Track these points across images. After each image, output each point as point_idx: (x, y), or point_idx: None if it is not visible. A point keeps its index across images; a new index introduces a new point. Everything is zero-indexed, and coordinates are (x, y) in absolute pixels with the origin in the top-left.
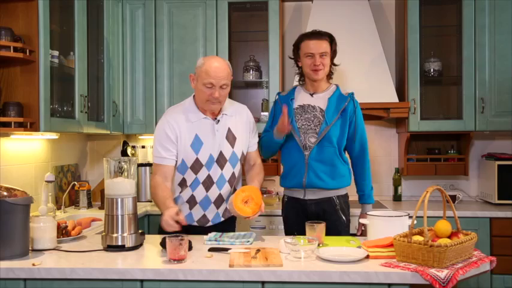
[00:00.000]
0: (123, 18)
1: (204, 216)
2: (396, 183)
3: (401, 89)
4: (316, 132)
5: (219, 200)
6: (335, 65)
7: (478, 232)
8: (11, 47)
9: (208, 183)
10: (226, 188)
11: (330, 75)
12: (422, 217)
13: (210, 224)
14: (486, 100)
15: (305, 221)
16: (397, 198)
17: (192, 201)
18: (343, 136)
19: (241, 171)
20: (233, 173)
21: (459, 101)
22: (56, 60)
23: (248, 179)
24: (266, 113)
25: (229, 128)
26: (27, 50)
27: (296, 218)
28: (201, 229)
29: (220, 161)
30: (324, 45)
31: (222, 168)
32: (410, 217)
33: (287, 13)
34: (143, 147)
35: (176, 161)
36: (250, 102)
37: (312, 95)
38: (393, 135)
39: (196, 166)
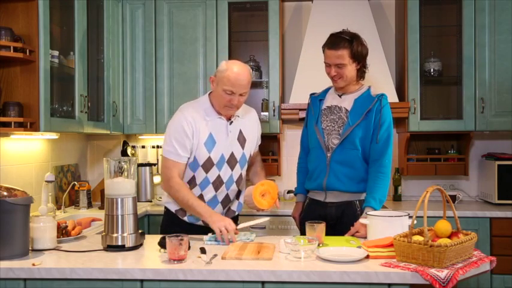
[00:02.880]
0: (123, 18)
1: None
2: (396, 183)
3: (401, 89)
4: (339, 133)
5: (226, 200)
6: (364, 66)
7: (478, 232)
8: (11, 47)
9: (218, 183)
10: (233, 189)
11: (360, 76)
12: (422, 217)
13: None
14: (486, 100)
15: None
16: (397, 198)
17: None
18: (368, 139)
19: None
20: (241, 174)
21: (459, 101)
22: (56, 60)
23: (252, 174)
24: (266, 113)
25: (240, 130)
26: (27, 50)
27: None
28: (205, 229)
29: (231, 161)
30: (340, 55)
31: (232, 169)
32: (410, 217)
33: (287, 13)
34: (143, 147)
35: (188, 159)
36: (250, 102)
37: (340, 96)
38: (393, 135)
39: (208, 165)
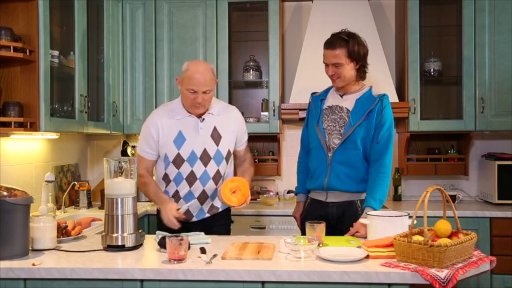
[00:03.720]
0: (123, 18)
1: (188, 210)
2: (396, 183)
3: (401, 89)
4: (340, 133)
5: (203, 196)
6: (364, 65)
7: (478, 232)
8: (11, 47)
9: (191, 178)
10: (210, 185)
11: (361, 76)
12: (422, 217)
13: (194, 219)
14: (486, 100)
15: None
16: (397, 198)
17: (176, 196)
18: (369, 139)
19: (233, 170)
20: (218, 171)
21: (459, 101)
22: (56, 60)
23: (240, 173)
24: (266, 113)
25: (214, 127)
26: (27, 50)
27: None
28: (186, 224)
29: (204, 158)
30: (337, 55)
31: (205, 165)
32: (410, 217)
33: (287, 13)
34: None
35: (158, 157)
36: (250, 102)
37: (342, 96)
38: (394, 135)
39: (178, 161)
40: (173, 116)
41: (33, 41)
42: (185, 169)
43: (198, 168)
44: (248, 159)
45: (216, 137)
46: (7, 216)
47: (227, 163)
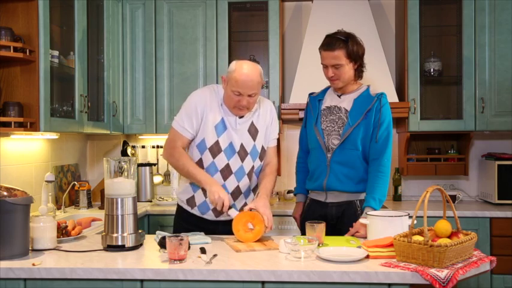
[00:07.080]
0: (123, 18)
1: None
2: (396, 183)
3: (401, 89)
4: (339, 134)
5: (237, 192)
6: (362, 65)
7: (478, 232)
8: (11, 47)
9: (226, 172)
10: (244, 181)
11: (358, 76)
12: (422, 217)
13: (226, 216)
14: (486, 100)
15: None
16: (397, 198)
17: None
18: (368, 138)
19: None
20: (253, 167)
21: (459, 101)
22: (56, 60)
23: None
24: None
25: (252, 122)
26: (27, 50)
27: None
28: (213, 222)
29: (241, 153)
30: (336, 56)
31: (242, 161)
32: (410, 217)
33: (287, 13)
34: (143, 147)
35: (194, 138)
36: None
37: (339, 96)
38: (393, 135)
39: (215, 149)
40: (220, 102)
41: (33, 41)
42: (220, 160)
43: (235, 163)
44: (273, 164)
45: (253, 131)
46: (7, 216)
47: (261, 161)
